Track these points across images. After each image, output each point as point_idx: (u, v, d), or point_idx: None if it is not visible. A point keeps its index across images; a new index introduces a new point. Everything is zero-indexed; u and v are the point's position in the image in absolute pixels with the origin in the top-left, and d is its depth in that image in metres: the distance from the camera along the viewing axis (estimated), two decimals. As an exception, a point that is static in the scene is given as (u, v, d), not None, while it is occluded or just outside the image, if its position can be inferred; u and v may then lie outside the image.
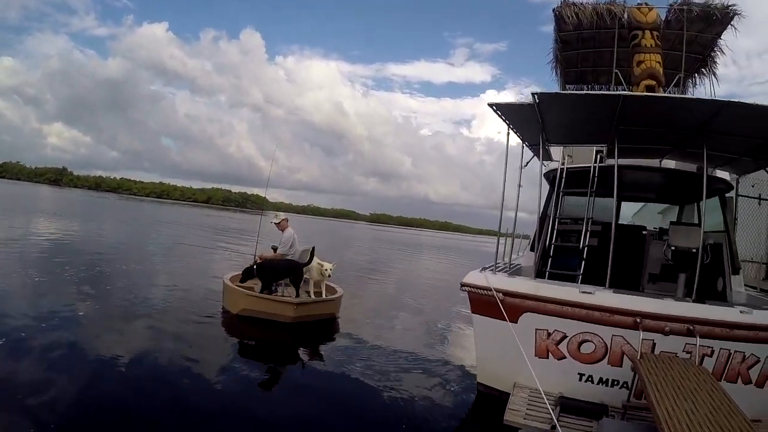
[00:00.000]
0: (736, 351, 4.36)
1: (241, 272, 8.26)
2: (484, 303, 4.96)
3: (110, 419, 4.01)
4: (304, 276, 8.18)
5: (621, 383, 4.58)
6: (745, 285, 6.68)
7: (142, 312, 7.57)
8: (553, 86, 8.37)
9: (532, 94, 4.91)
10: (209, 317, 7.75)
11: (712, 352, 4.35)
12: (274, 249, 8.57)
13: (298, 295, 7.88)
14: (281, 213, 9.02)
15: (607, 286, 4.89)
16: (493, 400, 4.99)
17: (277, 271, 8.09)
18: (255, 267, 8.04)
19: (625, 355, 4.49)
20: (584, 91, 6.66)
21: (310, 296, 8.13)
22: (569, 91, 5.94)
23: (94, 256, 13.02)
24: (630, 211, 8.74)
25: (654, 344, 4.40)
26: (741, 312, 4.37)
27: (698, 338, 4.23)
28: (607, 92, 6.37)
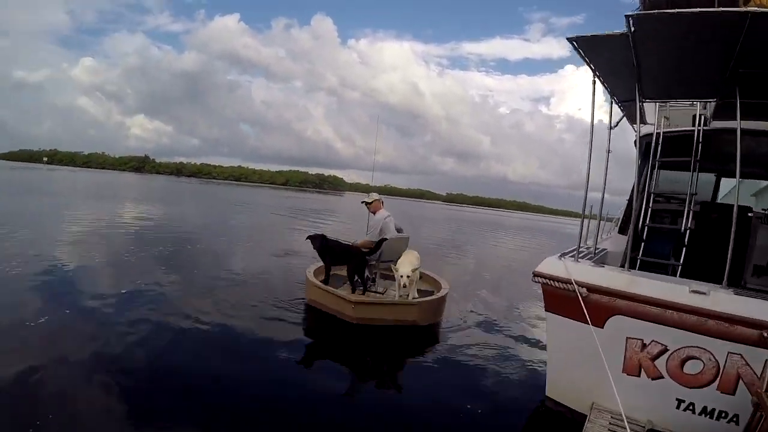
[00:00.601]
0: None
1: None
2: (561, 299, 3.99)
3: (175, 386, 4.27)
4: (393, 271, 6.64)
5: (731, 416, 3.51)
6: None
7: (222, 289, 7.74)
8: None
9: (626, 16, 3.46)
10: (282, 301, 7.20)
11: None
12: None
13: (354, 291, 6.72)
14: (374, 193, 7.71)
15: (724, 284, 3.68)
16: (563, 420, 4.10)
17: (334, 253, 7.05)
18: (312, 240, 7.12)
19: (741, 380, 3.39)
20: (698, 9, 4.24)
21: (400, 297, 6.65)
22: (678, 10, 3.75)
23: (180, 235, 13.95)
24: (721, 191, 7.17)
25: None
26: None
27: None
28: (730, 8, 3.52)
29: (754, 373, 3.28)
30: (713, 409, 3.56)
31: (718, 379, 3.47)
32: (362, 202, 7.73)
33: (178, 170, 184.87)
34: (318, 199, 62.90)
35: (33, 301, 6.12)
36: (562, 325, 4.07)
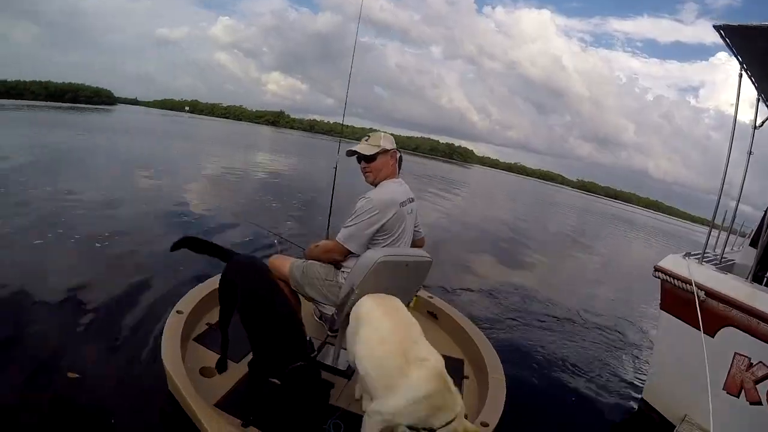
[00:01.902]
0: None
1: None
2: (678, 299, 3.85)
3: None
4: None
5: None
6: None
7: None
8: None
9: None
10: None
11: None
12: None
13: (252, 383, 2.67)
14: (381, 133, 3.17)
15: None
16: (652, 423, 4.00)
17: (228, 294, 2.86)
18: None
19: None
20: None
21: None
22: None
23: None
24: None
25: None
26: None
27: None
28: None
29: None
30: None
31: None
32: (350, 152, 3.20)
33: (311, 126, 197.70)
34: (445, 168, 62.69)
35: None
36: (673, 327, 3.93)
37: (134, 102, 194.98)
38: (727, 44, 3.84)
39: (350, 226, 2.91)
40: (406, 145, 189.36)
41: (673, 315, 3.95)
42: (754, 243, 4.78)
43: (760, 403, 3.34)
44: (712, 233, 4.35)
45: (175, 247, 2.90)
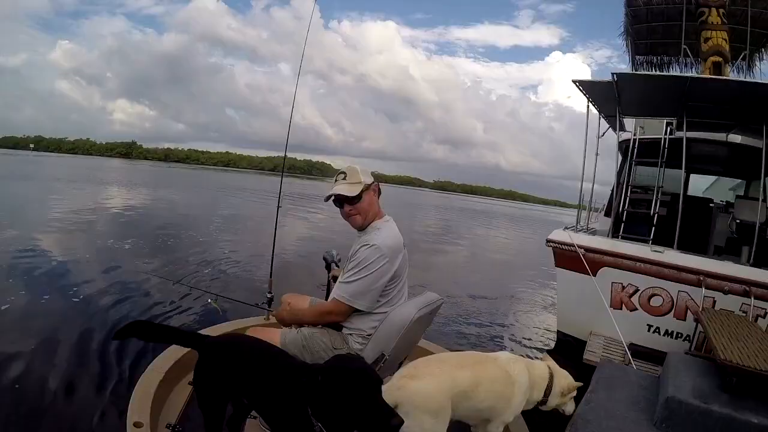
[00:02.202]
0: None
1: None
2: (567, 258, 5.70)
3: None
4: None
5: (684, 336, 5.22)
6: None
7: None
8: (624, 57, 8.87)
9: (612, 74, 5.69)
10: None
11: (765, 313, 4.85)
12: (334, 278, 3.10)
13: None
14: (356, 167, 2.68)
15: (675, 247, 5.51)
16: (570, 346, 5.83)
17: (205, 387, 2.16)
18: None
19: (688, 310, 5.12)
20: (657, 73, 7.30)
21: None
22: (644, 73, 6.68)
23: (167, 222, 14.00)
24: (702, 185, 9.04)
25: (714, 302, 4.99)
26: None
27: (753, 299, 4.79)
28: (677, 75, 7.14)
29: (696, 304, 5.03)
30: (673, 331, 5.31)
31: (674, 309, 5.24)
32: (329, 198, 2.65)
33: (166, 156, 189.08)
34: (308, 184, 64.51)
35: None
36: (567, 276, 5.81)
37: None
38: (581, 90, 6.28)
39: (356, 280, 2.47)
40: (264, 165, 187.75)
41: (566, 269, 5.83)
42: (607, 213, 7.10)
43: (636, 309, 5.41)
44: (581, 213, 6.52)
45: (121, 334, 2.26)
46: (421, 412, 2.19)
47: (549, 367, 2.76)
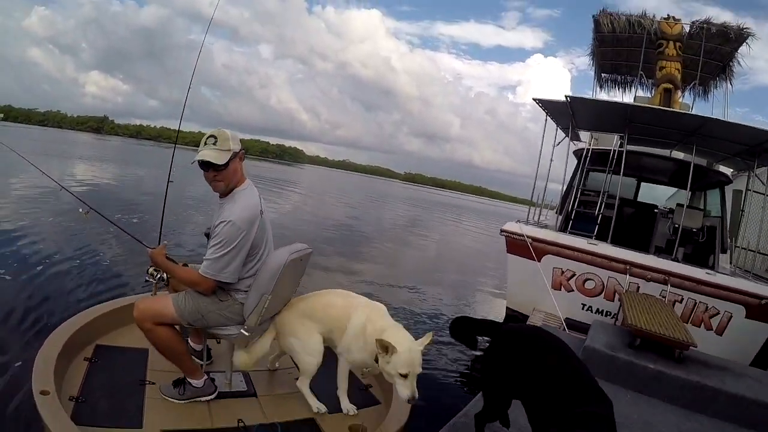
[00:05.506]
0: (700, 302, 5.73)
1: None
2: (517, 246, 6.64)
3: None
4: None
5: (612, 314, 6.17)
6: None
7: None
8: (590, 73, 10.00)
9: (565, 96, 6.75)
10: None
11: (682, 299, 5.81)
12: (207, 235, 2.84)
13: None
14: (224, 131, 2.72)
15: (608, 242, 6.55)
16: (516, 320, 6.75)
17: None
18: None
19: (616, 293, 6.06)
20: (603, 99, 8.48)
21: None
22: (592, 98, 7.76)
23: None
24: (663, 194, 10.18)
25: (638, 287, 5.94)
26: (706, 273, 5.85)
27: (669, 286, 5.75)
28: (620, 102, 8.43)
29: (622, 288, 6.00)
30: (602, 310, 6.26)
31: (603, 292, 6.22)
32: (199, 163, 2.68)
33: (138, 132, 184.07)
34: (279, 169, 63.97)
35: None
36: (516, 261, 6.76)
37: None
38: (541, 107, 7.39)
39: (218, 257, 2.58)
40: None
41: (516, 255, 6.78)
42: (558, 212, 8.11)
43: (573, 290, 6.39)
44: (532, 209, 7.65)
45: (456, 331, 2.68)
46: (287, 334, 2.99)
47: (386, 330, 2.74)
